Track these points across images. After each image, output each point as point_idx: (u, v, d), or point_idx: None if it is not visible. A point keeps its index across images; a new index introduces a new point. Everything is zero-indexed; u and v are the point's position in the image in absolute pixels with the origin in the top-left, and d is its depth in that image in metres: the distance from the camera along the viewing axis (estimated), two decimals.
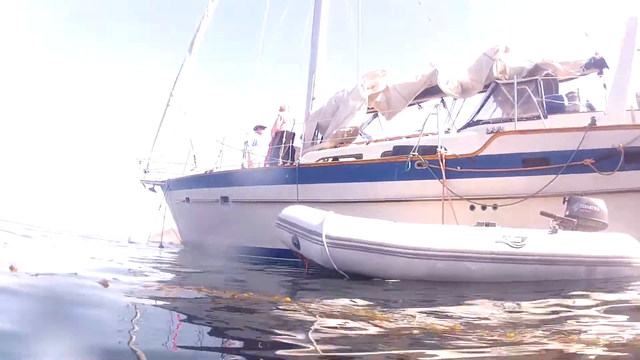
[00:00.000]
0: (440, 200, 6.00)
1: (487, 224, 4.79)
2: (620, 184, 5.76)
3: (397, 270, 4.41)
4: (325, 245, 4.51)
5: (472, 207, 6.06)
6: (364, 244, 4.47)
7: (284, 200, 6.55)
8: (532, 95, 6.47)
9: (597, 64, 7.51)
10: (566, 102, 6.98)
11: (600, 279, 4.13)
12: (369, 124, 7.81)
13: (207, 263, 6.52)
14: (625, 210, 5.77)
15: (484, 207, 6.04)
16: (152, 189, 9.64)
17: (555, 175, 5.84)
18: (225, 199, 7.69)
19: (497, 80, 6.86)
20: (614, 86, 6.99)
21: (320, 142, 7.36)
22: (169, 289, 2.85)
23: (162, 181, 9.41)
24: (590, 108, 7.20)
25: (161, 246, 9.60)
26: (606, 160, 5.84)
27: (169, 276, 4.41)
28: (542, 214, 4.81)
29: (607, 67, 7.40)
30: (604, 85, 7.37)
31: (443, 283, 4.21)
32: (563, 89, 7.56)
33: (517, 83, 6.66)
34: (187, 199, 8.55)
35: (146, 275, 3.90)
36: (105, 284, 2.46)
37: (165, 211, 9.37)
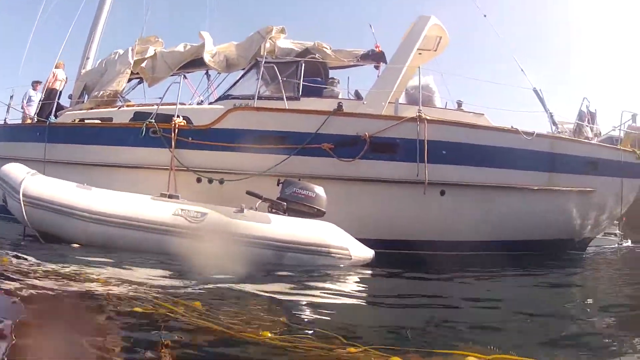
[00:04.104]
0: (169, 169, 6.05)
1: (171, 196, 4.80)
2: (360, 172, 5.92)
3: (80, 235, 4.38)
4: (22, 203, 4.43)
5: (198, 180, 6.07)
6: (53, 205, 4.43)
7: (32, 159, 6.31)
8: (279, 76, 6.58)
9: (376, 57, 7.79)
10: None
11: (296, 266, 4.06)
12: (133, 89, 7.72)
13: None
14: (363, 198, 5.96)
15: (210, 181, 6.06)
16: None
17: (287, 156, 5.94)
18: None
19: (258, 58, 6.95)
20: (381, 77, 7.27)
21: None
22: None
23: None
24: (357, 96, 7.46)
25: None
26: (347, 147, 5.98)
27: None
28: (248, 193, 4.78)
29: (384, 61, 7.68)
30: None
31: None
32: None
33: (274, 63, 6.79)
34: None
35: None
36: None
37: None
